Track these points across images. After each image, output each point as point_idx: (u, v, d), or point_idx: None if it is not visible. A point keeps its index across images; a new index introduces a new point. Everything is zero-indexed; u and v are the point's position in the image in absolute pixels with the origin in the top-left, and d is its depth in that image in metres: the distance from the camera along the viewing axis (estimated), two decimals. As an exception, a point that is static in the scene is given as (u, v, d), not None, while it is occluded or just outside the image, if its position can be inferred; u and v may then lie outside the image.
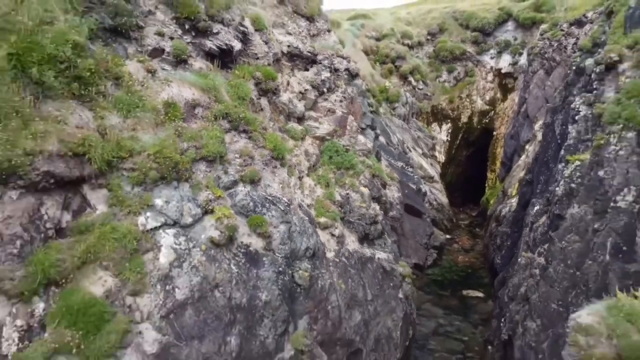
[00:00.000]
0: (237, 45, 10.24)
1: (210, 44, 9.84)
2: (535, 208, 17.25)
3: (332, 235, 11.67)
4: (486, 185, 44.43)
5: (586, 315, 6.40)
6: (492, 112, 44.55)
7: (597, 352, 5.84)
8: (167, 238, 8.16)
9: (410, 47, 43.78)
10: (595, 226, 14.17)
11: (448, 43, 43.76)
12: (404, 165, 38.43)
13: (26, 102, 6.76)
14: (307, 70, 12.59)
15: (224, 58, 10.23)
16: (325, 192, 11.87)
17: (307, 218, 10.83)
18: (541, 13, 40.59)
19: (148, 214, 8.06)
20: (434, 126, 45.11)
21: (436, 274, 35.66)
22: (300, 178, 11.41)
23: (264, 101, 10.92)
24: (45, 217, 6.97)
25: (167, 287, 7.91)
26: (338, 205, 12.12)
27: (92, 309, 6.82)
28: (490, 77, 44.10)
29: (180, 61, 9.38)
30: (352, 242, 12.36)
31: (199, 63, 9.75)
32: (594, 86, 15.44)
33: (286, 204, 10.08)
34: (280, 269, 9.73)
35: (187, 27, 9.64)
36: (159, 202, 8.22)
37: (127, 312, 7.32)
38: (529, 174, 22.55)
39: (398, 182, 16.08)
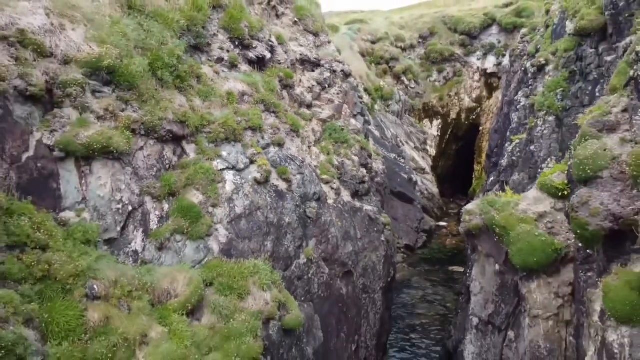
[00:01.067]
0: (267, 55, 15.85)
1: (251, 54, 15.45)
2: (491, 178, 22.85)
3: (332, 188, 17.23)
4: (473, 177, 49.90)
5: (471, 205, 11.92)
6: (479, 109, 50.14)
7: (472, 224, 11.31)
8: (229, 176, 13.73)
9: (403, 49, 49.29)
10: (529, 188, 19.72)
11: (438, 45, 49.32)
12: (396, 157, 44.23)
13: (157, 90, 12.35)
14: (313, 71, 18.18)
15: (259, 63, 15.83)
16: (326, 158, 17.46)
17: (314, 173, 16.44)
18: (522, 18, 46.20)
19: (218, 160, 13.63)
20: (425, 122, 50.59)
21: (425, 253, 41.45)
22: (309, 147, 17.00)
23: (285, 93, 16.52)
24: (166, 156, 12.57)
25: (231, 205, 13.47)
26: (336, 168, 17.70)
27: (194, 209, 12.38)
28: (476, 76, 49.72)
29: (233, 66, 14.96)
30: (346, 196, 17.93)
31: (244, 67, 15.34)
32: (530, 83, 21.04)
33: (301, 161, 15.69)
34: (297, 204, 15.31)
35: (237, 43, 15.25)
36: (224, 153, 13.79)
37: (210, 216, 12.87)
38: (494, 156, 28.21)
39: (383, 158, 21.60)
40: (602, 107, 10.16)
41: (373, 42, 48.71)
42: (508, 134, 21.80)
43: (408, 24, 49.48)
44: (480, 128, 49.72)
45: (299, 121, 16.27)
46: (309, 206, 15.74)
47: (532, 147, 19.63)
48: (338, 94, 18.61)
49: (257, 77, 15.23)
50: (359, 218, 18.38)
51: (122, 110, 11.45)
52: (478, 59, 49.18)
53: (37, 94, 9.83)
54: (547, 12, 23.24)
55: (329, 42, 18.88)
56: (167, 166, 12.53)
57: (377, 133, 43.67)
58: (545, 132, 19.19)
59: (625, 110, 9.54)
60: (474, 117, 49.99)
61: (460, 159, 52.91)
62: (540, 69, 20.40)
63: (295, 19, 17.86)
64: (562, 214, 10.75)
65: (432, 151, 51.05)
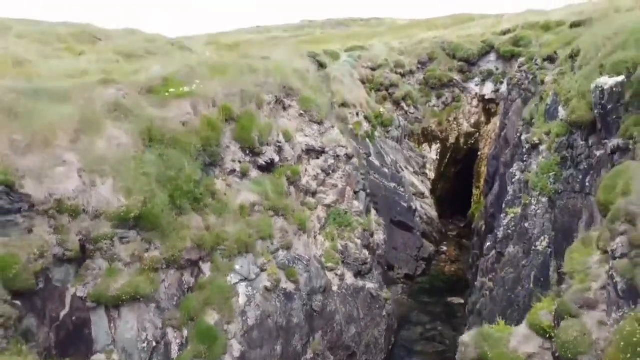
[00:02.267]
0: (276, 158, 16.97)
1: (261, 160, 16.57)
2: (488, 244, 24.00)
3: (336, 274, 18.42)
4: (472, 200, 51.04)
5: (466, 336, 13.08)
6: (477, 134, 51.20)
7: (467, 356, 12.47)
8: (242, 288, 14.89)
9: (403, 75, 50.22)
10: (524, 262, 20.88)
11: (437, 71, 50.26)
12: (396, 186, 45.36)
13: (176, 219, 13.47)
14: (318, 158, 19.29)
15: (269, 166, 16.96)
16: (331, 245, 18.64)
17: (320, 266, 17.60)
18: (519, 47, 47.10)
19: (232, 274, 14.79)
20: (424, 146, 51.61)
21: (425, 282, 42.64)
22: (315, 237, 18.16)
23: (291, 188, 17.66)
24: (184, 281, 13.71)
25: (243, 318, 14.65)
26: (340, 253, 18.88)
27: (211, 332, 13.55)
28: (475, 102, 50.71)
29: (244, 175, 16.08)
30: (349, 278, 19.12)
31: (254, 173, 16.47)
32: (524, 158, 22.15)
33: (307, 260, 16.85)
34: (304, 302, 16.49)
35: (247, 152, 16.36)
36: (237, 267, 14.95)
37: (225, 333, 14.04)
38: (492, 209, 29.35)
39: (384, 227, 22.72)
40: (582, 280, 11.27)
41: (373, 69, 49.63)
42: (504, 205, 22.97)
43: (407, 50, 50.45)
44: (479, 153, 50.79)
45: (305, 217, 17.41)
46: (315, 300, 16.91)
47: (526, 224, 20.75)
48: (341, 177, 19.73)
49: (266, 182, 16.36)
50: (362, 298, 19.57)
51: (146, 251, 12.58)
52: (476, 85, 50.15)
53: (73, 257, 10.96)
54: (542, 82, 24.25)
55: (332, 127, 19.98)
56: (186, 290, 13.69)
57: (377, 162, 44.70)
58: (539, 211, 20.31)
59: (603, 288, 10.67)
60: (473, 141, 51.07)
61: (459, 181, 54.03)
62: (535, 146, 21.53)
63: (301, 111, 18.95)
64: (550, 354, 11.88)
65: (432, 174, 52.05)
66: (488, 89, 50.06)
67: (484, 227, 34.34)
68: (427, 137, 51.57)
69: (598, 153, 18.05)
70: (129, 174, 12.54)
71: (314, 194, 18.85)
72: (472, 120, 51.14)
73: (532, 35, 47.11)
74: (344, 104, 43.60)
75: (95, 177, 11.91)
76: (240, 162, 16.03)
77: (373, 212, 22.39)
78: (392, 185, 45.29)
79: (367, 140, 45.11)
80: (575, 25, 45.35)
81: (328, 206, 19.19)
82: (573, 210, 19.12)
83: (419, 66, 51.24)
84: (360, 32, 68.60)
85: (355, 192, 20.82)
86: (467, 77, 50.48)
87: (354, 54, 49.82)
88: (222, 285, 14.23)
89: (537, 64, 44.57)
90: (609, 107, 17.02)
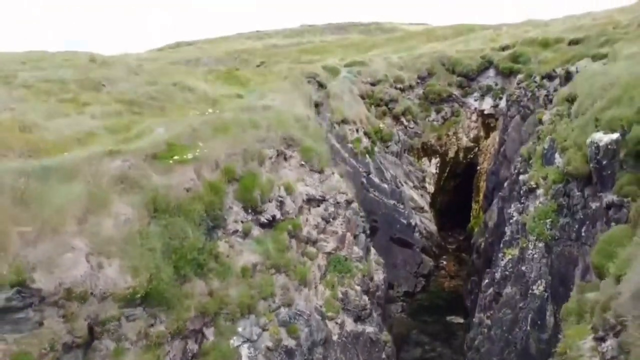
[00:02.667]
0: (277, 214, 17.36)
1: (263, 218, 16.95)
2: (486, 281, 24.43)
3: (336, 323, 18.84)
4: (471, 215, 51.49)
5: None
6: (476, 148, 51.61)
7: None
8: (244, 350, 15.30)
9: (402, 90, 50.57)
10: (521, 305, 21.30)
11: (436, 86, 50.63)
12: (395, 203, 45.85)
13: (180, 287, 13.87)
14: (319, 206, 19.67)
15: (270, 223, 17.35)
16: (331, 293, 19.04)
17: (320, 317, 18.00)
18: (518, 64, 47.48)
19: (235, 337, 15.19)
20: (424, 160, 52.02)
21: (424, 299, 43.14)
22: (315, 287, 18.56)
23: (292, 241, 18.05)
24: (188, 349, 14.12)
25: (247, 379, 15.05)
26: (340, 300, 19.29)
27: (215, 398, 13.95)
28: (474, 117, 51.11)
29: (246, 234, 16.47)
30: (349, 324, 19.54)
31: (256, 231, 16.86)
32: (522, 200, 22.53)
33: (308, 315, 17.26)
34: (305, 356, 16.90)
35: (249, 210, 16.74)
36: (240, 329, 15.35)
37: (229, 396, 14.45)
38: (491, 237, 29.78)
39: (383, 264, 23.15)
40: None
41: (373, 84, 49.97)
42: (502, 246, 23.37)
43: (407, 64, 50.80)
44: (478, 167, 51.22)
45: (306, 270, 17.82)
46: (315, 353, 17.34)
47: (523, 267, 21.15)
48: (342, 224, 20.12)
49: (268, 241, 16.76)
50: (361, 343, 20.00)
51: (152, 326, 12.98)
52: (475, 100, 50.54)
53: (81, 342, 11.36)
54: (540, 120, 24.61)
55: (333, 174, 20.35)
56: (190, 357, 14.10)
57: (376, 180, 45.18)
58: (535, 256, 20.70)
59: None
60: (472, 156, 51.48)
61: (459, 194, 54.49)
62: (532, 190, 21.88)
63: (302, 162, 19.32)
64: None
65: (431, 188, 52.47)
66: (487, 104, 50.44)
67: (483, 245, 34.71)
68: (427, 151, 51.95)
69: (594, 205, 18.42)
70: (135, 251, 12.91)
71: (314, 242, 19.25)
72: (471, 135, 51.56)
73: (530, 51, 47.48)
74: (343, 121, 44.06)
75: (102, 259, 12.29)
76: (242, 221, 16.42)
77: (373, 251, 22.78)
78: (392, 202, 45.76)
79: (367, 156, 45.55)
80: (573, 42, 45.75)
81: (328, 253, 19.60)
82: (569, 258, 19.51)
83: (419, 81, 51.58)
84: (359, 41, 68.87)
85: (355, 236, 21.21)
86: (466, 92, 50.87)
87: (353, 70, 50.16)
88: (225, 349, 14.64)
89: (535, 81, 44.98)
90: (604, 162, 17.38)
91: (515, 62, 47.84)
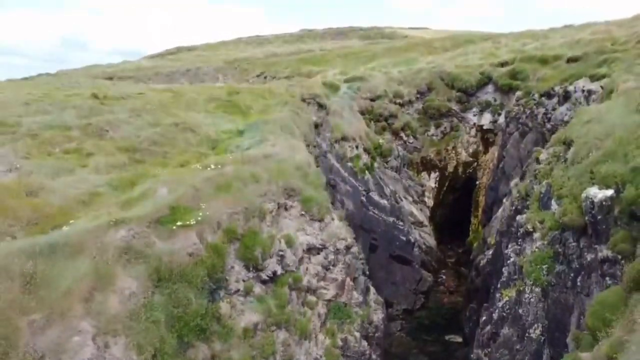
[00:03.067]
0: (278, 270, 17.72)
1: (264, 275, 17.32)
2: (484, 318, 24.81)
3: (337, 372, 19.23)
4: (470, 229, 51.91)
5: None
6: (475, 163, 51.96)
7: None
8: (247, 410, 15.65)
9: (402, 105, 50.91)
10: (518, 347, 21.68)
11: (435, 101, 50.95)
12: (395, 220, 46.28)
13: (183, 354, 14.23)
14: (318, 254, 20.04)
15: (271, 279, 17.73)
16: (331, 341, 19.42)
17: (321, 368, 18.39)
18: (517, 80, 47.78)
19: (237, 398, 15.55)
20: (423, 175, 52.36)
21: (423, 316, 43.63)
22: (315, 336, 18.94)
23: (293, 294, 18.43)
24: (193, 416, 14.47)
25: None
26: (339, 348, 19.67)
27: None
28: (473, 132, 51.44)
29: (248, 292, 16.84)
30: (349, 370, 19.93)
31: (257, 289, 17.23)
32: (519, 242, 22.89)
33: (309, 369, 17.65)
34: (307, 409, 17.29)
35: (251, 268, 17.12)
36: (242, 390, 15.71)
37: None
38: (490, 266, 30.19)
39: (382, 305, 23.56)
40: None
41: (372, 99, 50.31)
42: (499, 285, 23.74)
43: (406, 79, 51.10)
44: (477, 182, 51.57)
45: (306, 321, 18.20)
46: (316, 404, 17.74)
47: (520, 310, 21.51)
48: (341, 270, 20.50)
49: (268, 298, 17.12)
50: (361, 387, 20.41)
51: (157, 400, 13.33)
52: (474, 115, 50.88)
53: None
54: (537, 160, 24.95)
55: (333, 219, 20.71)
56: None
57: (376, 197, 45.59)
58: (532, 300, 21.05)
59: None
60: (471, 170, 51.83)
61: (458, 207, 54.89)
62: (528, 233, 22.22)
63: (302, 212, 19.67)
64: None
65: (430, 202, 52.85)
66: (486, 120, 50.78)
67: (481, 263, 35.03)
68: (426, 165, 52.29)
69: (589, 257, 18.76)
70: (139, 326, 13.26)
71: (314, 290, 19.62)
72: (470, 150, 51.90)
73: (529, 68, 47.78)
74: (343, 138, 44.44)
75: (108, 338, 12.64)
76: (243, 280, 16.79)
77: (372, 290, 23.18)
78: (391, 219, 46.18)
79: (367, 172, 45.94)
80: (572, 60, 46.04)
81: (328, 301, 19.97)
82: (565, 304, 19.88)
83: (418, 96, 51.89)
84: (359, 51, 69.08)
85: (355, 278, 21.58)
86: (465, 107, 51.19)
87: (353, 86, 50.52)
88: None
89: (534, 99, 45.32)
90: (599, 217, 17.72)
91: (514, 79, 48.14)
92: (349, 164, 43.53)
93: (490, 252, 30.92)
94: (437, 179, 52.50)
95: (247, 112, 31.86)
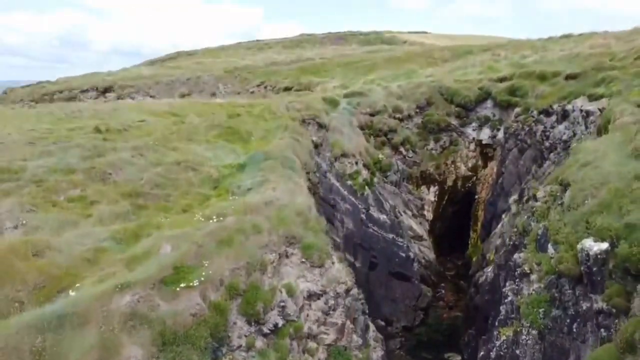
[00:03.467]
0: (280, 322, 18.11)
1: (265, 329, 17.71)
2: (481, 353, 25.25)
3: (337, 417, 19.64)
4: (469, 242, 52.33)
5: None
6: (474, 177, 52.34)
7: None
8: None
9: (401, 119, 51.27)
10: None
11: (435, 116, 51.28)
12: (394, 237, 46.72)
13: None
14: (319, 299, 20.44)
15: (273, 331, 18.12)
16: (332, 386, 19.84)
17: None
18: (515, 97, 48.10)
19: None
20: (422, 188, 52.74)
21: (422, 333, 44.11)
22: (316, 384, 19.35)
23: (294, 343, 18.84)
24: None
25: None
26: (341, 391, 20.08)
27: None
28: (472, 146, 51.79)
29: (250, 348, 17.24)
30: (349, 413, 20.35)
31: (259, 343, 17.62)
32: (517, 282, 23.27)
33: (310, 419, 18.06)
34: None
35: (252, 323, 17.53)
36: None
37: None
38: (488, 295, 30.58)
39: (381, 342, 23.98)
40: None
41: (372, 114, 50.67)
42: (497, 323, 24.13)
43: (406, 94, 51.44)
44: (476, 197, 51.94)
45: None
46: None
47: (517, 351, 21.91)
48: (341, 314, 20.89)
49: (270, 352, 17.51)
50: None
51: None
52: (473, 130, 51.23)
53: None
54: (535, 197, 25.27)
55: (333, 263, 21.09)
56: None
57: (375, 215, 46.02)
58: (529, 342, 21.43)
59: None
60: (470, 184, 52.18)
61: (457, 219, 55.29)
62: (525, 274, 22.58)
63: (303, 259, 20.05)
64: None
65: (429, 215, 53.26)
66: (485, 134, 51.14)
67: (480, 281, 35.41)
68: (425, 179, 52.67)
69: (584, 305, 19.16)
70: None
71: (315, 336, 20.01)
72: (470, 164, 52.27)
73: (528, 85, 48.08)
74: (343, 154, 44.85)
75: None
76: (245, 335, 17.16)
77: (372, 327, 23.59)
78: (391, 236, 46.64)
79: (366, 188, 46.35)
80: (570, 77, 46.35)
81: (329, 345, 20.35)
82: (561, 349, 20.30)
83: (417, 110, 52.23)
84: (359, 60, 69.28)
85: (355, 319, 21.97)
86: (465, 122, 51.55)
87: (353, 101, 50.84)
88: None
89: (533, 116, 45.67)
90: (594, 269, 18.11)
91: (512, 95, 48.47)
92: (349, 182, 43.92)
93: (490, 270, 31.32)
94: (437, 192, 52.89)
95: (247, 139, 32.21)
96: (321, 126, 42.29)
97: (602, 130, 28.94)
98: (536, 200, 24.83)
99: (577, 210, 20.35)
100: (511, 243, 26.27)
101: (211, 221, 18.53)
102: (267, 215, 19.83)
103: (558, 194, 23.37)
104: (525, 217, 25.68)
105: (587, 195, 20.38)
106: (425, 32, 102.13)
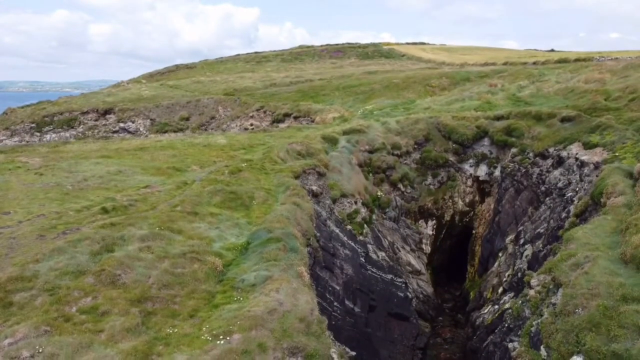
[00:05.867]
0: None
1: None
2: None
3: None
4: (467, 277, 53.39)
5: None
6: (472, 212, 53.27)
7: None
8: None
9: (400, 155, 52.09)
10: None
11: (433, 152, 52.13)
12: (393, 277, 47.74)
13: None
14: None
15: None
16: None
17: None
18: (512, 137, 48.96)
19: None
20: (421, 222, 53.69)
21: (421, 375, 45.04)
22: None
23: None
24: None
25: None
26: None
27: None
28: (469, 182, 52.68)
29: None
30: None
31: None
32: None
33: None
34: None
35: None
36: None
37: None
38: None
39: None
40: None
41: (370, 152, 51.52)
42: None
43: (404, 130, 52.24)
44: (474, 232, 52.90)
45: None
46: None
47: None
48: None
49: None
50: None
51: None
52: (471, 166, 52.07)
53: None
54: (529, 283, 26.17)
55: (335, 364, 22.09)
56: None
57: (374, 257, 47.01)
58: None
59: None
60: (467, 219, 53.12)
61: (455, 251, 56.33)
62: None
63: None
64: None
65: (427, 249, 54.26)
66: (482, 171, 52.01)
67: (477, 322, 36.45)
68: (423, 214, 53.63)
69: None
70: None
71: None
72: (467, 200, 53.20)
73: (524, 126, 48.93)
74: (342, 195, 45.76)
75: None
76: None
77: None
78: (389, 276, 47.70)
79: (365, 226, 47.27)
80: (565, 119, 47.20)
81: None
82: None
83: (415, 146, 53.07)
84: (357, 84, 69.93)
85: (356, 412, 23.00)
86: (462, 158, 52.44)
87: (352, 139, 51.63)
88: None
89: (529, 158, 46.60)
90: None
91: (509, 136, 49.33)
92: (348, 227, 44.82)
93: (487, 311, 32.32)
94: (434, 226, 53.87)
95: (249, 205, 33.07)
96: (321, 175, 43.13)
97: (595, 198, 29.96)
98: (530, 287, 25.75)
99: (569, 319, 21.25)
100: (506, 325, 27.25)
101: (218, 342, 19.41)
102: (271, 328, 20.70)
103: (551, 287, 24.28)
104: (520, 301, 26.61)
105: (578, 305, 21.28)
106: (423, 43, 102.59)
